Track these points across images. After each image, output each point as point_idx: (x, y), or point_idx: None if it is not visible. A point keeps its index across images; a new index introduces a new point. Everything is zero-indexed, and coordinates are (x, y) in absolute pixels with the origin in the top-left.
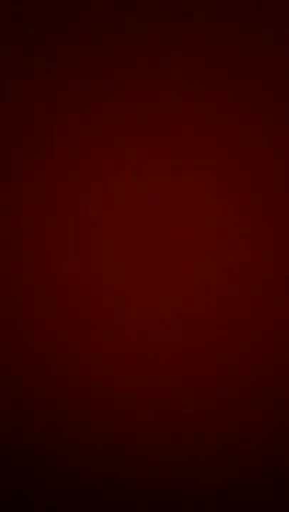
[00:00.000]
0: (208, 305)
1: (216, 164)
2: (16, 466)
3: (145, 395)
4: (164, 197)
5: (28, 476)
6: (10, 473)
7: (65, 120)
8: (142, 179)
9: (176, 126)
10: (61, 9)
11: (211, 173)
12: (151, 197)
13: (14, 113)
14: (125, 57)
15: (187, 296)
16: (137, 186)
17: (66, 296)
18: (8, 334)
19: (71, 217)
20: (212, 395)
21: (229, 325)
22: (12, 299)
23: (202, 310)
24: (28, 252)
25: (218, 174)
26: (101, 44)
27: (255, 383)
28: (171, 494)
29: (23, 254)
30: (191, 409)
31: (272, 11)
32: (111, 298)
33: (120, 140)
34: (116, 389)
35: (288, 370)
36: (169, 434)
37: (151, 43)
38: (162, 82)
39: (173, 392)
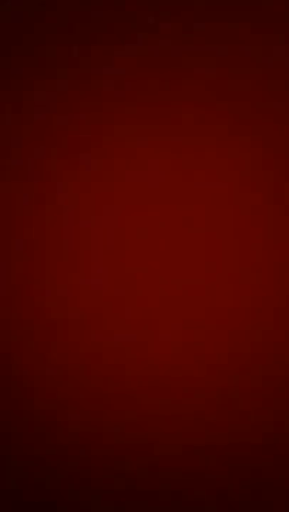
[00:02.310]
0: (211, 309)
1: (218, 163)
2: (15, 466)
3: (145, 397)
4: (166, 197)
5: (28, 477)
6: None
7: (66, 121)
8: (144, 179)
9: (177, 126)
10: (62, 10)
11: (213, 170)
12: (153, 197)
13: (14, 114)
14: (126, 57)
15: (189, 298)
16: (139, 186)
17: (66, 297)
18: (7, 333)
19: (72, 219)
20: (213, 400)
21: (231, 326)
22: (12, 298)
23: (204, 312)
24: (28, 251)
25: (220, 172)
26: (102, 43)
27: (257, 386)
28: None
29: (24, 253)
30: (192, 412)
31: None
32: (111, 298)
33: (121, 140)
34: (116, 393)
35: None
36: (171, 433)
37: (153, 42)
38: (163, 81)
39: (174, 395)
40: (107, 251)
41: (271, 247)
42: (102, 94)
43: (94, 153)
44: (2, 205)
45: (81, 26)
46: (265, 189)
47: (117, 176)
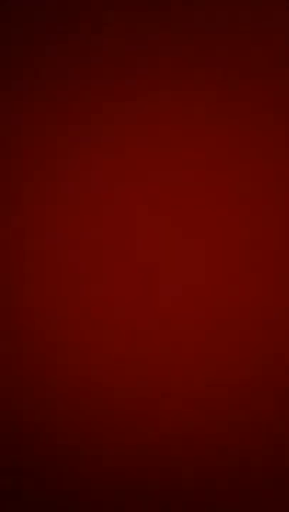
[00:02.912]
0: (211, 308)
1: (217, 164)
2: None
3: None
4: (166, 200)
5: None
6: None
7: (66, 121)
8: (145, 179)
9: (176, 128)
10: (63, 11)
11: (214, 172)
12: (152, 198)
13: (14, 114)
14: (125, 58)
15: (189, 300)
16: (138, 188)
17: (66, 297)
18: (7, 334)
19: (72, 220)
20: (214, 399)
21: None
22: (12, 297)
23: (205, 311)
24: (28, 252)
25: (220, 174)
26: (102, 44)
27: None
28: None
29: (24, 253)
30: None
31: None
32: (112, 299)
33: (121, 141)
34: (115, 394)
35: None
36: (171, 434)
37: (152, 41)
38: (163, 81)
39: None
40: (107, 251)
41: (271, 249)
42: (102, 94)
43: (94, 153)
44: (2, 206)
45: (81, 24)
46: (265, 190)
47: (117, 176)
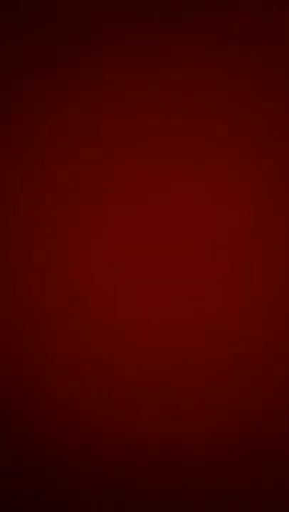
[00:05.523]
0: (210, 308)
1: (217, 165)
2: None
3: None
4: (165, 202)
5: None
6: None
7: (66, 121)
8: (146, 174)
9: (176, 129)
10: (63, 12)
11: (212, 175)
12: (150, 199)
13: (14, 114)
14: (124, 57)
15: (188, 298)
16: (140, 181)
17: (66, 300)
18: (8, 336)
19: (70, 222)
20: (214, 401)
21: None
22: (13, 301)
23: (203, 311)
24: (28, 255)
25: (219, 175)
26: (101, 43)
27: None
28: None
29: (24, 257)
30: (191, 408)
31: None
32: (111, 296)
33: (121, 143)
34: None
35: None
36: (171, 431)
37: (151, 36)
38: (162, 80)
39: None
40: (106, 246)
41: (268, 252)
42: (102, 94)
43: (92, 156)
44: (2, 202)
45: (81, 25)
46: (264, 192)
47: (118, 170)
